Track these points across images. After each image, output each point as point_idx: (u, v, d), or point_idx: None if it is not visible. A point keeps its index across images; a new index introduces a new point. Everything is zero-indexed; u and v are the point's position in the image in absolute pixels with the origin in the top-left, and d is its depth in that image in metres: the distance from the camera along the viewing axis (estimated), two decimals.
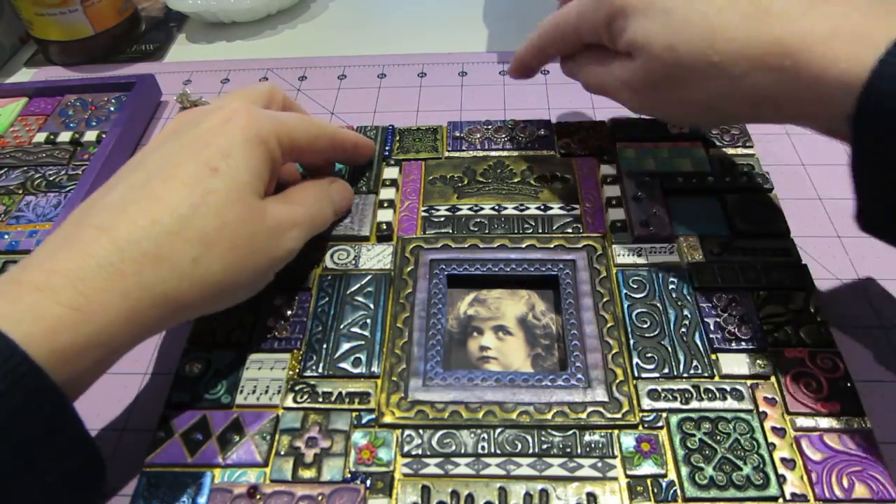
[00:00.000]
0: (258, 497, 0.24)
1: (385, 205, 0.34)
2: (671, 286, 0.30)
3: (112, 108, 0.43)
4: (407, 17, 0.54)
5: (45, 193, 0.38)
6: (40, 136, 0.42)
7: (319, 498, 0.24)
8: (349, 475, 0.24)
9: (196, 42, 0.53)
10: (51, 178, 0.39)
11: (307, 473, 0.24)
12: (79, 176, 0.39)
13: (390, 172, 0.36)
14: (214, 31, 0.54)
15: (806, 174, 0.37)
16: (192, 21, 0.55)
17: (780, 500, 0.23)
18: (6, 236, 0.35)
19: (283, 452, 0.25)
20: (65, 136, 0.41)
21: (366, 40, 0.51)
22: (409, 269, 0.31)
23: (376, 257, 0.32)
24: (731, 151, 0.36)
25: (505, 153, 0.37)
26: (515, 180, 0.35)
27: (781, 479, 0.23)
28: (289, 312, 0.29)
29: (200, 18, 0.53)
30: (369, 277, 0.31)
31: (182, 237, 0.23)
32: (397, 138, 0.38)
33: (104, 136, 0.41)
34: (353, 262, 0.32)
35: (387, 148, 0.37)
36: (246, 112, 0.26)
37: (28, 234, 0.35)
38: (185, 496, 0.24)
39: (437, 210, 0.34)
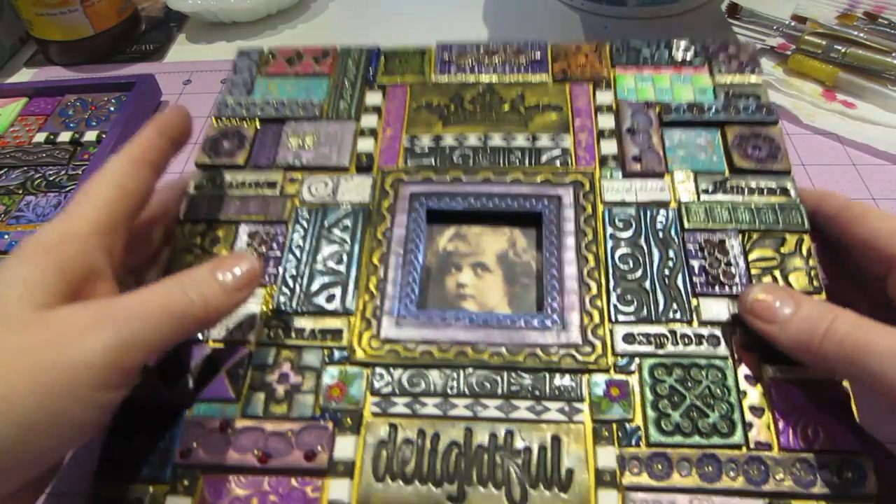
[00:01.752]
0: (230, 431, 0.24)
1: (366, 133, 0.33)
2: (658, 226, 0.29)
3: (112, 108, 0.43)
4: (407, 17, 0.53)
5: (45, 193, 0.38)
6: (40, 136, 0.41)
7: (289, 434, 0.24)
8: (319, 412, 0.25)
9: (196, 42, 0.53)
10: (51, 178, 0.39)
11: (278, 409, 0.25)
12: (79, 176, 0.39)
13: (373, 98, 0.34)
14: (214, 31, 0.53)
15: (806, 174, 0.37)
16: (192, 21, 0.55)
17: (744, 447, 0.23)
18: (6, 236, 0.35)
19: (255, 388, 0.25)
20: (65, 136, 0.41)
21: (366, 40, 0.50)
22: (387, 203, 0.30)
23: (355, 189, 0.31)
24: (737, 79, 0.33)
25: (496, 77, 0.35)
26: (505, 108, 0.33)
27: (748, 427, 0.23)
28: (263, 247, 0.29)
29: (200, 18, 0.53)
30: (347, 211, 0.30)
31: None
32: (382, 61, 0.36)
33: (104, 136, 0.41)
34: (331, 194, 0.31)
35: (371, 71, 0.35)
36: (34, 237, 0.24)
37: (28, 234, 0.35)
38: (158, 430, 0.24)
39: (420, 140, 0.32)
